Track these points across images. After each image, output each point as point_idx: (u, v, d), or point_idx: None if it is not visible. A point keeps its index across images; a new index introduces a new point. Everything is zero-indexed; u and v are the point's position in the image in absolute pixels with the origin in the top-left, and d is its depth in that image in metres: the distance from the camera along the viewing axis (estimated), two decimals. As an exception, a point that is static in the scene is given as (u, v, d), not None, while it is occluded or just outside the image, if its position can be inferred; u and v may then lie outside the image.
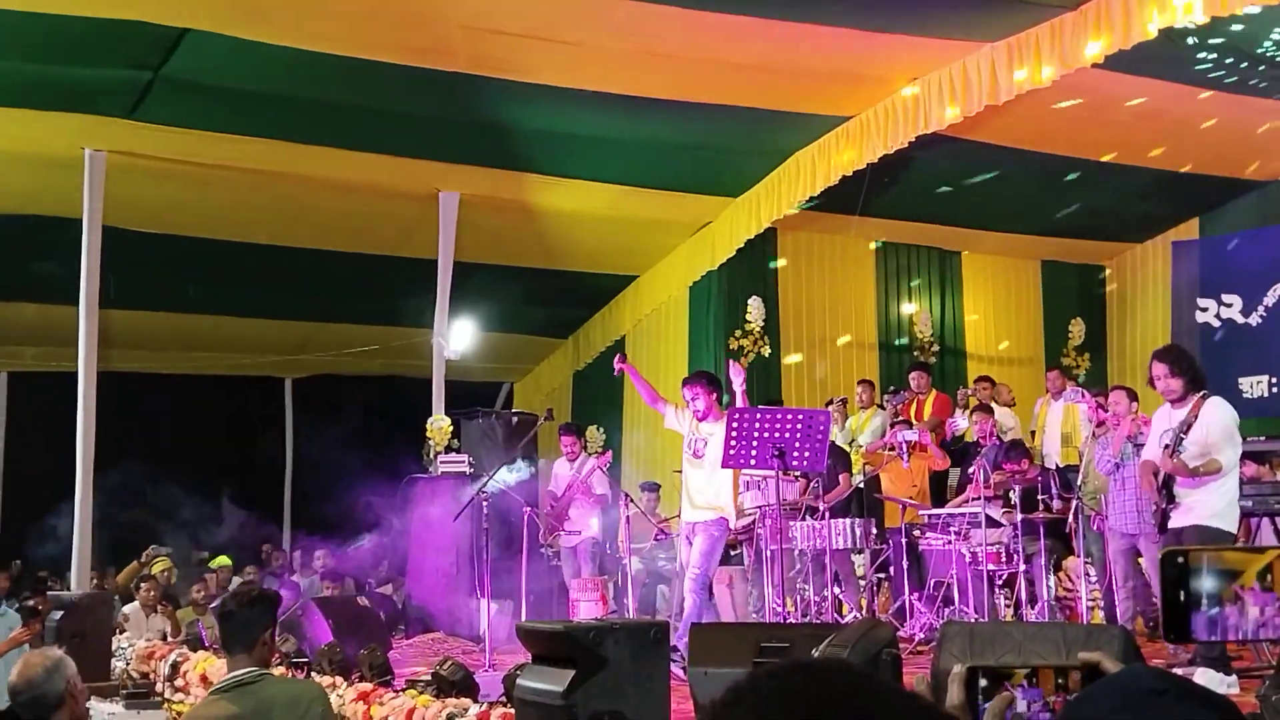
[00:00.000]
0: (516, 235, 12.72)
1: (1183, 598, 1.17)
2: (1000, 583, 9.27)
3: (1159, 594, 1.23)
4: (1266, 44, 9.73)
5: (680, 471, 11.42)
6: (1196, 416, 6.70)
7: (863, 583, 10.01)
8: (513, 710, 5.20)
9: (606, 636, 3.97)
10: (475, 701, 6.09)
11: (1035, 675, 1.37)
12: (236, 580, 12.11)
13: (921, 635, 8.68)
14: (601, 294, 14.83)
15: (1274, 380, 12.55)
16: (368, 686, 6.63)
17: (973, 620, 8.43)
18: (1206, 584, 1.17)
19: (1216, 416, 6.69)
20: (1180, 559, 1.18)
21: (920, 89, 10.16)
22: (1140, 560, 8.26)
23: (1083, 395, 9.86)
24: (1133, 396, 8.61)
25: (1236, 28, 9.07)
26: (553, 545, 10.87)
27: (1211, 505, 6.60)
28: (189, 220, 11.80)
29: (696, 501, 7.88)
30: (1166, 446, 6.72)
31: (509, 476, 9.78)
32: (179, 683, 8.28)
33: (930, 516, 9.76)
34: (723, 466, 7.68)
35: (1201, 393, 6.80)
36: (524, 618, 9.01)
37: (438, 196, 11.74)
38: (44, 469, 11.90)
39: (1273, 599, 1.14)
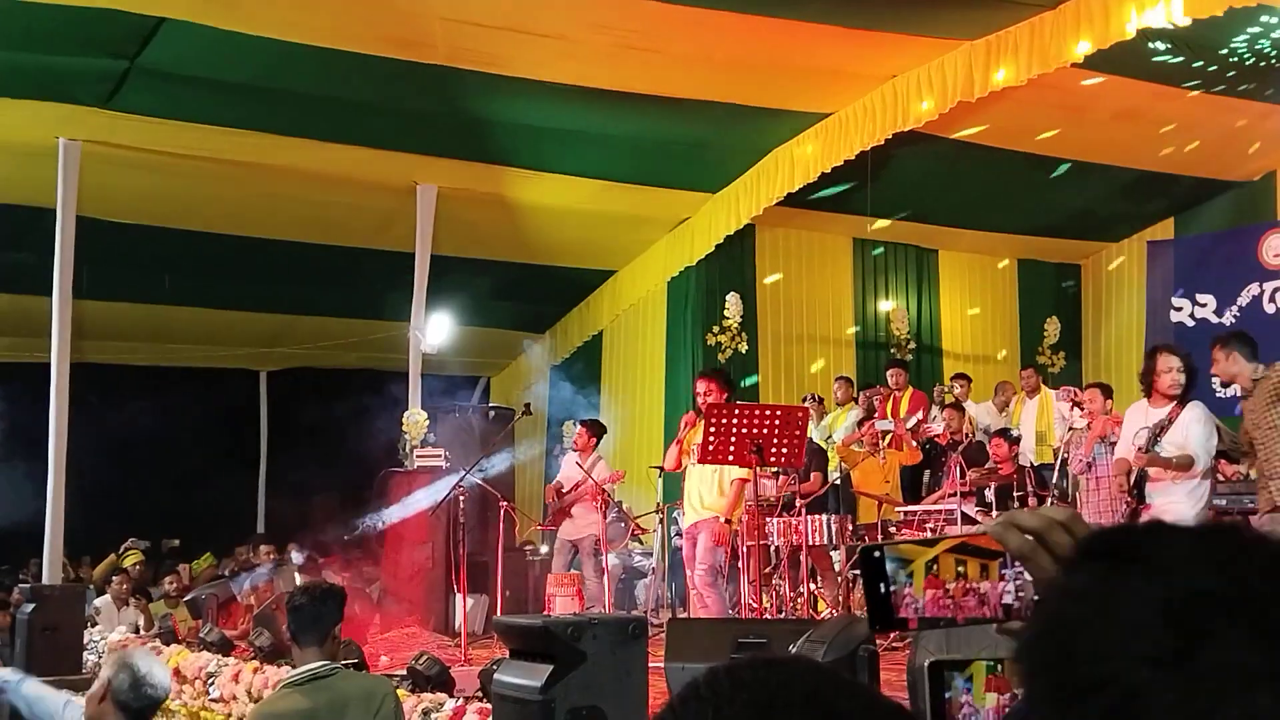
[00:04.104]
0: (494, 229, 12.68)
1: (883, 590, 1.25)
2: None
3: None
4: (1234, 43, 9.81)
5: (657, 468, 11.47)
6: (1175, 418, 6.70)
7: (839, 578, 10.03)
8: (488, 705, 5.19)
9: (585, 631, 3.96)
10: (451, 696, 6.08)
11: (999, 664, 1.39)
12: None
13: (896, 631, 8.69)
14: (579, 289, 14.81)
15: (1247, 380, 12.62)
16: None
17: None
18: (889, 565, 1.26)
19: (1197, 420, 6.69)
20: (876, 554, 1.26)
21: (899, 86, 10.19)
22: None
23: (1073, 395, 9.92)
24: (1107, 394, 8.66)
25: (1205, 29, 9.11)
26: (531, 541, 10.84)
27: (1182, 512, 6.59)
28: (164, 211, 11.72)
29: (700, 504, 7.91)
30: (1140, 446, 6.72)
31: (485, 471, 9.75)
32: (152, 676, 8.22)
33: (905, 513, 9.81)
34: (699, 462, 7.69)
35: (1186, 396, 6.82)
36: (499, 612, 8.99)
37: (415, 189, 11.70)
38: (16, 460, 11.80)
39: (939, 585, 1.24)
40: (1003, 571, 1.24)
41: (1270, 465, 6.47)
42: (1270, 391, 6.44)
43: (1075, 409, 9.76)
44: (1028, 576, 1.22)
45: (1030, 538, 1.18)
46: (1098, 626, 0.88)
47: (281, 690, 4.28)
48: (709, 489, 7.93)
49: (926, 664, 1.39)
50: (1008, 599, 1.24)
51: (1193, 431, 6.64)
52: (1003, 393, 12.43)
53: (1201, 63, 10.07)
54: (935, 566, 1.23)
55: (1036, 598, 1.10)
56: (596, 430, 10.44)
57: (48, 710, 4.41)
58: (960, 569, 1.24)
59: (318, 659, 4.18)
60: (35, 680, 4.59)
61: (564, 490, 10.09)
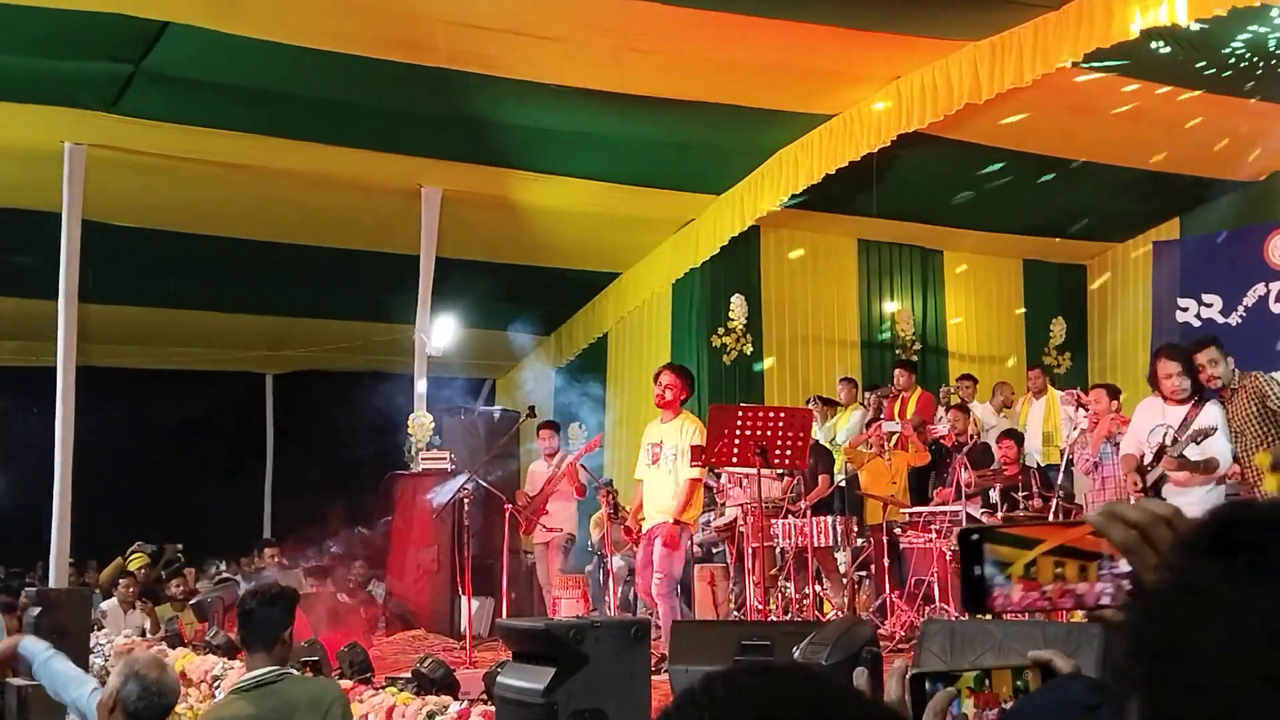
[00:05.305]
0: (499, 231, 12.69)
1: (977, 573, 1.25)
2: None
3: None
4: (1238, 42, 9.79)
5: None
6: (1191, 420, 6.63)
7: (844, 580, 10.02)
8: (493, 708, 5.19)
9: (587, 634, 3.96)
10: (456, 699, 6.08)
11: (987, 677, 1.37)
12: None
13: (902, 633, 8.69)
14: (584, 291, 14.81)
15: (1253, 380, 12.57)
16: (348, 684, 6.61)
17: (953, 618, 8.44)
18: (988, 567, 1.25)
19: (1221, 421, 6.65)
20: (974, 536, 1.26)
21: (903, 87, 10.18)
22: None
23: (1077, 396, 9.90)
24: (1113, 395, 8.63)
25: (1199, 28, 9.09)
26: (527, 546, 10.82)
27: (1197, 513, 6.50)
28: (170, 215, 11.74)
29: (655, 508, 7.78)
30: (1164, 447, 6.64)
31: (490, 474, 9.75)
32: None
33: (911, 514, 9.79)
34: (703, 465, 7.66)
35: (1198, 394, 6.78)
36: (504, 615, 8.99)
37: (420, 192, 11.71)
38: (23, 463, 11.83)
39: (1036, 587, 1.24)
40: (1101, 571, 1.22)
41: (1253, 473, 6.54)
42: (1251, 405, 6.52)
43: (1080, 410, 9.74)
44: (1122, 569, 1.20)
45: (1134, 531, 1.16)
46: (1214, 630, 0.85)
47: (228, 697, 4.24)
48: (664, 491, 7.68)
49: (908, 676, 1.37)
50: (1105, 599, 1.22)
51: (1216, 432, 6.59)
52: (1000, 393, 12.39)
53: (1205, 62, 10.06)
54: (1033, 569, 1.23)
55: (1148, 584, 1.08)
56: (557, 430, 10.59)
57: (72, 693, 4.39)
58: (1058, 570, 1.23)
59: (267, 664, 4.12)
60: (64, 658, 4.53)
61: (531, 495, 10.13)
